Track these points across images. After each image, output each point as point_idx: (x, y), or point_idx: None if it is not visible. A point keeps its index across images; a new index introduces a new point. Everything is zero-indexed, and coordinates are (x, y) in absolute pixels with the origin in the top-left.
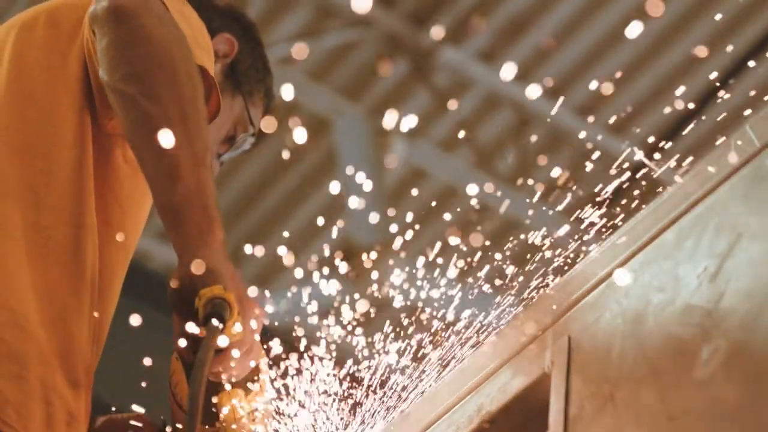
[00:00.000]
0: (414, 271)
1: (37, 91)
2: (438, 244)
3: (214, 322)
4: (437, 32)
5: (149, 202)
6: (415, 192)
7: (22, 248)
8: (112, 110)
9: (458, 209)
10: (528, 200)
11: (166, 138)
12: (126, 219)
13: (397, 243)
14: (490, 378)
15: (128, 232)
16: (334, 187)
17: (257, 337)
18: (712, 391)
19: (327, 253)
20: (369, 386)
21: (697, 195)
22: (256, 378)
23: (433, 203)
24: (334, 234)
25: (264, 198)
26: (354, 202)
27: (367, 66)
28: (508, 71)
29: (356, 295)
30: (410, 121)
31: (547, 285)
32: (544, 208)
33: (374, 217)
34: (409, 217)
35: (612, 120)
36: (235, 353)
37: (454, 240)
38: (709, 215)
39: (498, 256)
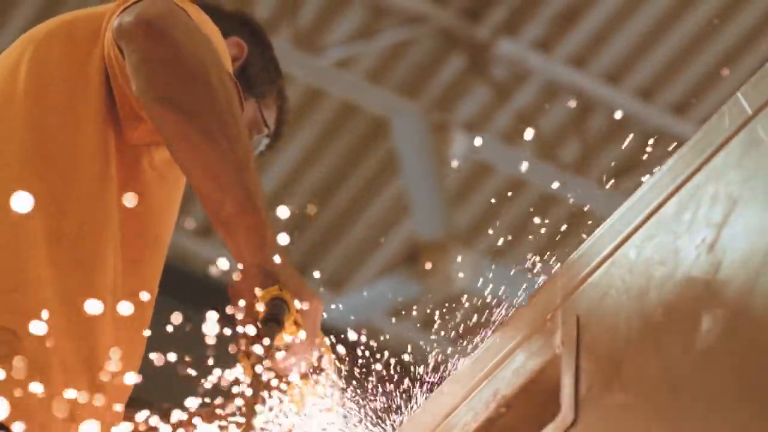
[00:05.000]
0: (483, 265)
1: (57, 103)
2: (506, 237)
3: (272, 323)
4: (492, 24)
5: (178, 204)
6: (479, 186)
7: (45, 257)
8: (136, 121)
9: (524, 201)
10: (594, 187)
11: (207, 151)
12: (160, 225)
13: (465, 238)
14: (504, 362)
15: (163, 237)
16: (397, 187)
17: (318, 329)
18: (714, 359)
19: (394, 253)
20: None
21: (693, 166)
22: (321, 367)
23: (497, 196)
24: (401, 234)
25: (329, 203)
26: (418, 200)
27: (423, 63)
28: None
29: (425, 293)
30: (469, 116)
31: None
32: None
33: (440, 214)
34: (476, 211)
35: (674, 102)
36: (297, 348)
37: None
38: (706, 185)
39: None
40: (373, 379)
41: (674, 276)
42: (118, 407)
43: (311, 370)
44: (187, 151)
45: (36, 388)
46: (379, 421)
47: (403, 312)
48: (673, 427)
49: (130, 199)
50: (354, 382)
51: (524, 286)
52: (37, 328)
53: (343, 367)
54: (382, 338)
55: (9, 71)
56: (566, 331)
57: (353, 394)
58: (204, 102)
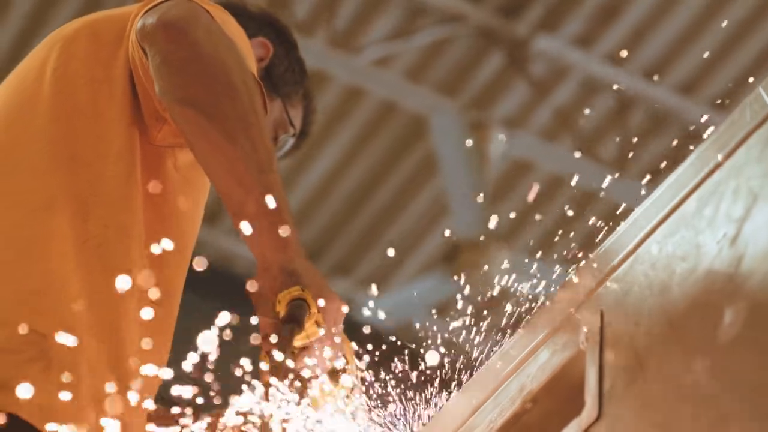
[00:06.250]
0: (525, 263)
1: (82, 104)
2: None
3: (292, 323)
4: (530, 21)
5: (203, 206)
6: (519, 184)
7: (71, 259)
8: (160, 123)
9: (564, 198)
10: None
11: (229, 151)
12: (185, 226)
13: (506, 236)
14: (530, 357)
15: (187, 240)
16: (437, 186)
17: (340, 329)
18: (736, 353)
19: (435, 251)
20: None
21: (714, 161)
22: (343, 368)
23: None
24: (441, 232)
25: (368, 202)
26: (458, 199)
27: (462, 61)
28: None
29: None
30: (509, 113)
31: None
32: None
33: (480, 212)
34: (517, 209)
35: (715, 96)
36: (318, 348)
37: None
38: (727, 180)
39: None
40: (397, 376)
41: (696, 271)
42: (145, 406)
43: (332, 371)
44: (209, 152)
45: (64, 388)
46: (405, 419)
47: (438, 309)
48: (696, 422)
49: (154, 187)
50: (378, 380)
51: (557, 281)
52: (67, 329)
53: (366, 367)
54: (409, 334)
55: (35, 72)
56: (590, 327)
57: (377, 392)
58: (225, 103)
